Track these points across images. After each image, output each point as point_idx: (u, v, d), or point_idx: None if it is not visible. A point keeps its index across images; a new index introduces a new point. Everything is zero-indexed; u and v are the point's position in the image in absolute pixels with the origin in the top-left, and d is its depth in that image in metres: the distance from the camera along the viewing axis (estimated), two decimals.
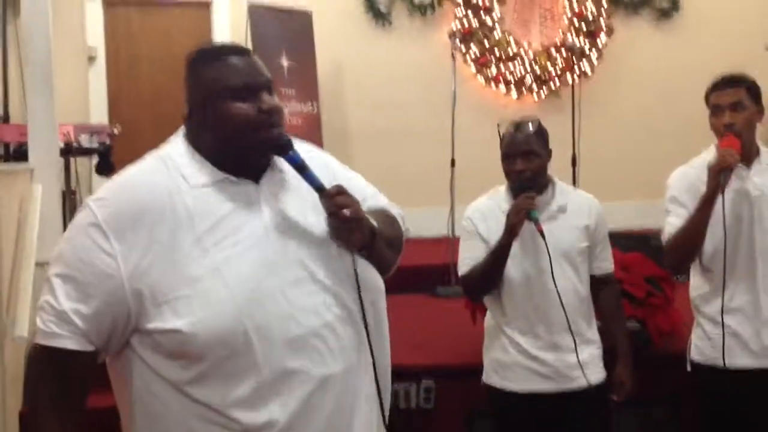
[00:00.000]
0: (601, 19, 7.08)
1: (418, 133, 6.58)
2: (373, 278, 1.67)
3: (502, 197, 2.77)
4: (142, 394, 1.55)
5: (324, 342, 1.56)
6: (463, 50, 6.88)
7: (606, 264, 2.83)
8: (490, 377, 2.79)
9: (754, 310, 2.69)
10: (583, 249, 2.73)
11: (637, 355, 3.00)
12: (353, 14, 6.80)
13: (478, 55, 6.97)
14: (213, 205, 1.55)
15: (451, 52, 5.91)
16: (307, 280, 1.57)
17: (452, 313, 4.02)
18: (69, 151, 4.99)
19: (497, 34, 6.99)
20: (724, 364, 2.66)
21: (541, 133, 2.71)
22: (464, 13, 6.91)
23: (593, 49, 7.09)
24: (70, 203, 5.30)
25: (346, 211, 1.57)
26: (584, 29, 7.07)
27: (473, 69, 6.98)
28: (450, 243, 5.05)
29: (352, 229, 1.59)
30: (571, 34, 7.03)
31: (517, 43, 7.04)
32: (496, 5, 6.95)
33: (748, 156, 2.72)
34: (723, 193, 2.59)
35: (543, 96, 7.03)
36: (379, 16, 6.83)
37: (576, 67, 6.85)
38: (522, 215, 2.56)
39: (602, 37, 7.09)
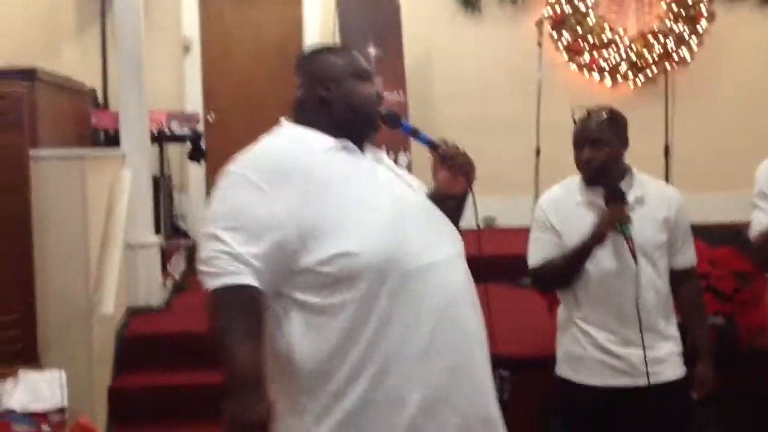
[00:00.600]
0: (701, 4, 6.80)
1: (505, 122, 6.49)
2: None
3: (575, 188, 2.69)
4: (299, 333, 1.72)
5: (454, 271, 1.82)
6: (555, 37, 6.74)
7: (687, 258, 2.71)
8: (563, 369, 2.73)
9: None
10: (662, 243, 2.62)
11: (724, 351, 2.89)
12: (442, 2, 6.76)
13: (571, 41, 6.81)
14: (342, 162, 1.82)
15: (538, 39, 5.81)
16: (430, 217, 1.87)
17: (535, 304, 3.95)
18: (161, 137, 5.15)
19: (591, 20, 6.81)
20: None
21: (615, 121, 2.62)
22: None
23: (693, 36, 6.82)
24: (164, 188, 5.47)
25: (461, 158, 1.90)
26: (683, 14, 6.81)
27: (565, 56, 6.83)
28: None
29: (469, 166, 1.91)
30: (670, 20, 6.79)
31: (611, 29, 6.84)
32: None
33: None
34: None
35: (639, 84, 6.82)
36: (468, 3, 6.76)
37: (674, 54, 6.62)
38: (612, 226, 2.50)
39: (702, 23, 6.81)
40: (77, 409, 2.91)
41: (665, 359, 2.61)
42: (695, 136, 6.16)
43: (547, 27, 6.44)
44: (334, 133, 1.86)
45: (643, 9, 6.89)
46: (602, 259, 2.59)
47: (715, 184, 6.32)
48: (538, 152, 5.49)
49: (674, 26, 6.75)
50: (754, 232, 2.60)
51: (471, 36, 6.73)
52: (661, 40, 6.77)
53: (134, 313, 4.33)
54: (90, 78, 5.53)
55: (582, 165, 2.62)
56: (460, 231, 1.97)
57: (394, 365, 1.72)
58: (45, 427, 2.63)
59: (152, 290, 4.51)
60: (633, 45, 6.83)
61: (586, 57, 6.82)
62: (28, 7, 5.39)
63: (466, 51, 6.69)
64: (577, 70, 6.84)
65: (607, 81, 6.85)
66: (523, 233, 5.38)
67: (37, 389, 2.68)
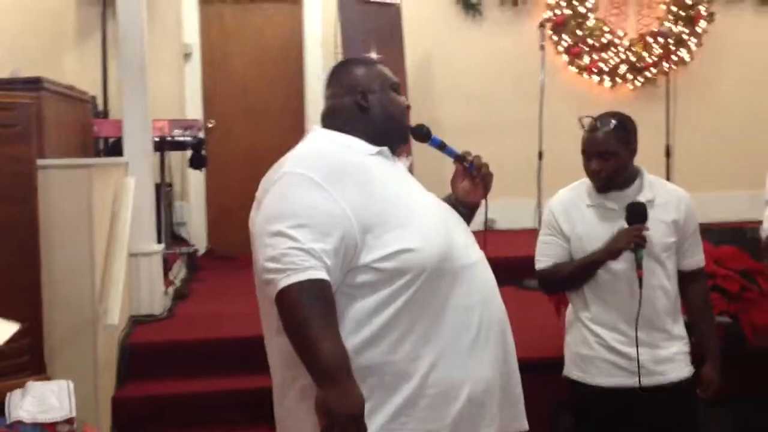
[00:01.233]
0: (701, 5, 6.81)
1: (507, 125, 6.50)
2: None
3: (585, 191, 2.70)
4: (351, 329, 1.75)
5: (486, 269, 1.93)
6: (555, 40, 6.75)
7: (696, 259, 2.72)
8: (572, 371, 2.74)
9: None
10: (670, 244, 2.63)
11: (731, 351, 2.89)
12: (443, 6, 6.76)
13: (571, 44, 6.82)
14: (385, 166, 1.90)
15: (540, 42, 5.82)
16: (461, 223, 1.98)
17: (537, 306, 3.94)
18: (162, 145, 5.15)
19: (590, 22, 6.82)
20: None
21: (624, 130, 2.62)
22: (557, 2, 6.77)
23: (692, 37, 6.83)
24: (165, 196, 5.47)
25: (485, 169, 2.04)
26: (683, 15, 6.82)
27: (566, 59, 6.84)
28: (537, 235, 4.96)
29: (488, 181, 2.06)
30: (669, 21, 6.80)
31: (611, 31, 6.85)
32: None
33: None
34: None
35: (638, 85, 6.83)
36: (469, 7, 6.77)
37: (673, 55, 6.63)
38: (628, 246, 2.52)
39: (702, 24, 6.82)
40: (82, 419, 2.91)
41: (673, 359, 2.62)
42: (696, 137, 6.17)
43: (547, 30, 6.44)
44: (369, 141, 1.92)
45: (642, 11, 6.90)
46: (612, 262, 2.60)
47: (717, 184, 6.33)
48: (540, 155, 5.49)
49: (673, 27, 6.76)
50: (766, 230, 2.60)
51: (472, 40, 6.73)
52: (660, 41, 6.77)
53: (137, 322, 4.32)
54: (90, 86, 5.52)
55: (591, 175, 2.63)
56: None
57: (446, 360, 1.78)
58: None
59: (155, 298, 4.50)
60: (632, 47, 6.84)
61: (586, 59, 6.83)
62: (28, 16, 5.39)
63: (467, 55, 6.69)
64: (577, 72, 6.85)
65: (607, 83, 6.87)
66: (524, 235, 5.44)
67: (45, 399, 2.67)
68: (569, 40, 6.81)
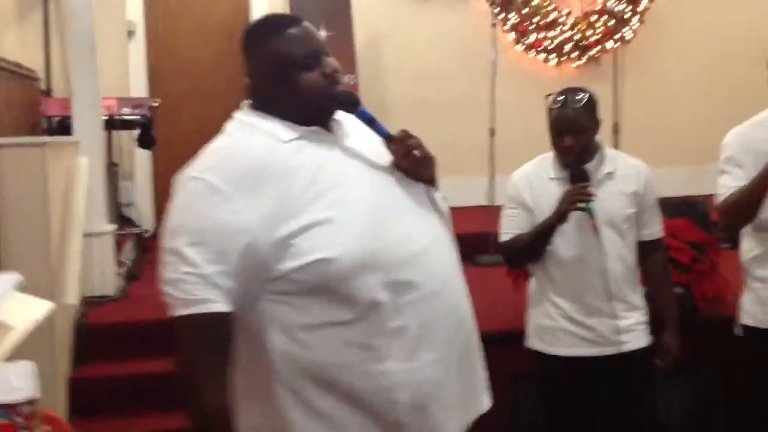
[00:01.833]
0: None
1: (457, 103, 6.52)
2: (446, 208, 1.85)
3: (548, 165, 2.75)
4: (281, 344, 1.60)
5: (430, 262, 1.68)
6: (503, 17, 6.79)
7: (654, 230, 2.80)
8: (534, 342, 2.79)
9: None
10: (630, 215, 2.70)
11: (684, 321, 2.98)
12: None
13: (518, 22, 6.88)
14: (309, 154, 1.65)
15: (491, 20, 5.85)
16: (409, 204, 1.72)
17: (492, 281, 4.01)
18: (112, 124, 5.05)
19: (536, 0, 6.88)
20: None
21: (591, 105, 2.67)
22: None
23: (634, 15, 6.95)
24: (111, 176, 5.36)
25: (417, 152, 1.73)
26: None
27: (512, 37, 6.90)
28: (489, 212, 5.03)
29: (425, 166, 1.76)
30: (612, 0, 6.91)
31: (556, 9, 6.93)
32: None
33: None
34: None
35: (583, 63, 6.92)
36: None
37: (617, 33, 6.74)
38: (574, 206, 2.55)
39: (644, 2, 6.94)
40: (41, 401, 2.86)
41: (633, 328, 2.69)
42: (641, 113, 6.27)
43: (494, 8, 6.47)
44: (297, 120, 1.69)
45: None
46: (572, 234, 2.65)
47: (663, 160, 6.45)
48: (492, 132, 5.54)
49: (616, 5, 6.87)
50: (722, 196, 2.67)
51: (421, 17, 6.71)
52: (604, 19, 6.87)
53: (91, 303, 4.25)
54: (31, 65, 5.36)
55: (563, 151, 2.66)
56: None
57: (385, 366, 1.61)
58: (18, 418, 2.57)
59: (107, 279, 4.43)
60: (577, 25, 6.93)
61: (533, 37, 6.90)
62: None
63: (417, 32, 6.68)
64: (523, 50, 6.91)
65: (552, 61, 6.95)
66: (476, 212, 5.48)
67: (7, 381, 2.61)
68: (516, 18, 6.87)
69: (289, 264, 1.56)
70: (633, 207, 2.70)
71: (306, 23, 1.72)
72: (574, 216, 2.61)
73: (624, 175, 2.71)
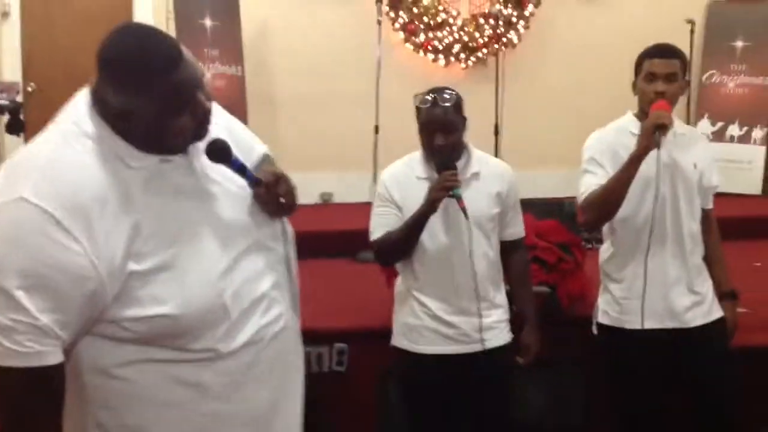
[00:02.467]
0: None
1: (343, 99, 6.51)
2: (291, 233, 1.83)
3: (416, 164, 2.77)
4: (100, 380, 1.50)
5: (274, 300, 1.67)
6: (393, 16, 6.82)
7: (516, 230, 2.86)
8: (399, 340, 2.80)
9: (662, 274, 2.75)
10: (495, 215, 2.74)
11: (548, 319, 3.06)
12: None
13: (407, 21, 6.92)
14: (157, 187, 1.51)
15: (377, 17, 5.86)
16: (254, 246, 1.65)
17: (371, 278, 4.01)
18: None
19: (426, 0, 6.94)
20: (642, 325, 2.72)
21: (459, 104, 2.70)
22: None
23: (521, 20, 7.10)
24: None
25: (283, 200, 1.71)
26: None
27: (402, 35, 6.94)
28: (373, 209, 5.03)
29: (288, 210, 1.75)
30: (499, 3, 7.04)
31: (446, 10, 7.01)
32: None
33: None
34: (659, 149, 2.60)
35: (470, 64, 7.03)
36: None
37: (503, 36, 6.87)
38: (444, 192, 2.56)
39: (530, 8, 7.11)
40: None
41: (494, 326, 2.74)
42: (522, 116, 6.41)
43: (384, 6, 6.50)
44: (144, 148, 1.53)
45: None
46: (437, 232, 2.67)
47: (541, 162, 6.64)
48: (376, 129, 5.56)
49: (503, 10, 6.99)
50: (583, 194, 2.75)
51: (311, 10, 6.65)
52: (491, 22, 7.00)
53: None
54: None
55: (434, 150, 2.67)
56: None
57: (208, 404, 1.57)
58: None
59: None
60: (465, 27, 7.03)
61: (422, 37, 6.96)
62: None
63: (305, 25, 6.62)
64: (412, 49, 6.96)
65: (441, 61, 7.02)
66: (361, 208, 5.48)
67: None
68: (405, 17, 6.91)
69: (127, 312, 1.44)
70: (497, 207, 2.75)
71: (186, 53, 1.53)
72: (441, 210, 2.63)
73: (489, 176, 2.75)
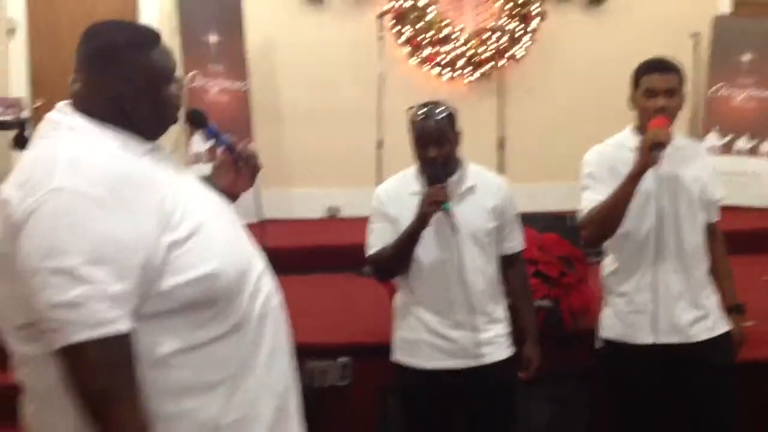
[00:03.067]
0: (533, 4, 7.09)
1: (348, 114, 6.52)
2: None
3: (411, 179, 2.77)
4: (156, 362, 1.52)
5: (268, 276, 1.74)
6: (397, 31, 6.83)
7: (515, 244, 2.84)
8: (398, 355, 2.80)
9: (665, 288, 2.73)
10: (491, 229, 2.73)
11: (550, 333, 3.04)
12: None
13: (411, 36, 6.93)
14: (160, 170, 1.63)
15: (377, 33, 5.87)
16: (240, 226, 1.76)
17: (374, 292, 4.00)
18: None
19: (430, 15, 6.96)
20: (653, 339, 2.71)
21: (452, 118, 2.71)
22: None
23: (525, 34, 7.10)
24: None
25: (253, 160, 1.96)
26: (517, 13, 7.08)
27: (406, 50, 6.95)
28: None
29: (255, 172, 1.97)
30: (504, 17, 7.04)
31: (450, 25, 7.02)
32: None
33: None
34: (657, 167, 2.60)
35: (474, 79, 7.03)
36: None
37: (508, 51, 6.88)
38: (434, 207, 2.56)
39: (534, 22, 7.11)
40: None
41: (494, 341, 2.72)
42: (526, 130, 6.41)
43: (388, 21, 6.51)
44: (144, 134, 1.66)
45: (479, 7, 7.10)
46: (431, 246, 2.67)
47: (545, 175, 6.62)
48: (379, 144, 5.56)
49: (508, 24, 7.00)
50: (584, 210, 2.75)
51: (314, 25, 6.68)
52: (495, 37, 7.00)
53: None
54: None
55: (428, 162, 2.67)
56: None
57: (247, 379, 1.62)
58: None
59: None
60: (470, 41, 7.04)
61: (426, 51, 6.97)
62: None
63: (310, 40, 6.63)
64: (417, 64, 6.97)
65: (445, 76, 7.02)
66: (364, 223, 5.46)
67: None
68: (410, 31, 6.93)
69: (176, 279, 1.50)
70: (494, 221, 2.74)
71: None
72: (435, 229, 2.63)
73: (484, 190, 2.75)
